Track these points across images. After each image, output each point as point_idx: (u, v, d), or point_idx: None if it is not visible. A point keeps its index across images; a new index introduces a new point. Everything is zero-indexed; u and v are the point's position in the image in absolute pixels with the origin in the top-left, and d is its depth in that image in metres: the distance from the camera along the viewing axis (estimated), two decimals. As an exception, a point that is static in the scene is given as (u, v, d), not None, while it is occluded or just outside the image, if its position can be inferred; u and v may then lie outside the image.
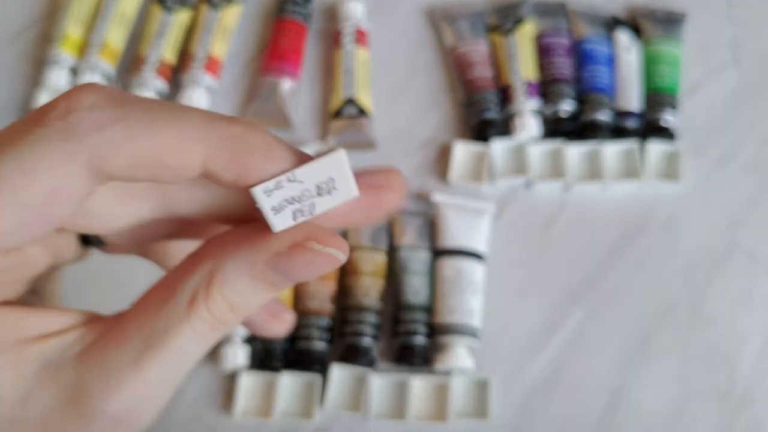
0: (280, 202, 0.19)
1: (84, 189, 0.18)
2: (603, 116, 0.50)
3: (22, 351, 0.19)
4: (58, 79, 0.50)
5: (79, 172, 0.18)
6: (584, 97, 0.51)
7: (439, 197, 0.49)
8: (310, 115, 0.53)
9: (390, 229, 0.48)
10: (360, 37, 0.52)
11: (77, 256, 0.25)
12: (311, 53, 0.55)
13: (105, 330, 0.20)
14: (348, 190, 0.20)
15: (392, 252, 0.48)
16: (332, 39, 0.54)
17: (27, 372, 0.18)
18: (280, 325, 0.26)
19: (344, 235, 0.48)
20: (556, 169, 0.50)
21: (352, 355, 0.45)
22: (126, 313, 0.20)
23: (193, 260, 0.20)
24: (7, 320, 0.19)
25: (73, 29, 0.52)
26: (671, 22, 0.54)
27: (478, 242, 0.47)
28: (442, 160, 0.51)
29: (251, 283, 0.19)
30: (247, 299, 0.20)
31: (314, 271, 0.20)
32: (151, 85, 0.50)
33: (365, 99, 0.51)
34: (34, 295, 0.23)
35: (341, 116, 0.50)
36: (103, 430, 0.19)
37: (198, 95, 0.50)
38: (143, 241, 0.24)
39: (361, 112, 0.50)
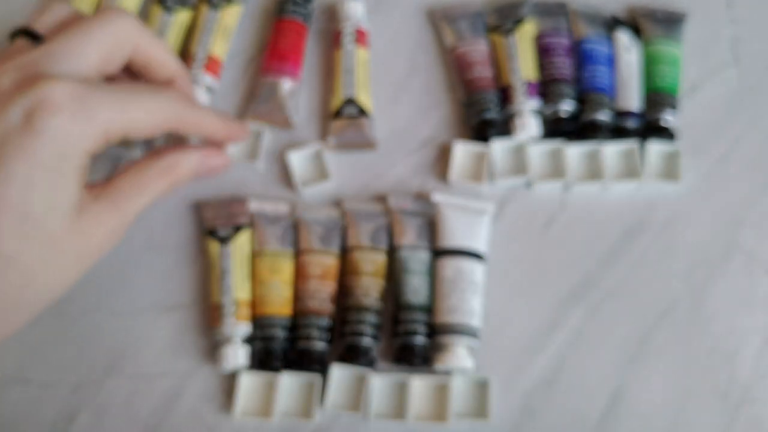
0: None
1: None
2: (603, 116, 0.50)
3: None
4: None
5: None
6: (584, 97, 0.51)
7: (439, 197, 0.49)
8: (310, 114, 0.53)
9: (390, 229, 0.48)
10: (360, 37, 0.52)
11: None
12: (311, 53, 0.55)
13: (107, 187, 0.36)
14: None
15: (392, 252, 0.48)
16: (332, 39, 0.54)
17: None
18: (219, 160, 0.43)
19: (344, 231, 0.48)
20: (556, 169, 0.50)
21: (352, 355, 0.45)
22: (116, 180, 0.36)
23: (158, 154, 0.38)
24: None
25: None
26: (671, 22, 0.54)
27: (478, 242, 0.47)
28: (442, 160, 0.51)
29: (190, 174, 0.41)
30: (185, 180, 0.41)
31: (218, 170, 0.43)
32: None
33: (365, 99, 0.51)
34: None
35: (341, 116, 0.50)
36: (107, 239, 0.36)
37: (198, 95, 0.50)
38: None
39: (361, 112, 0.50)
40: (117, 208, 0.36)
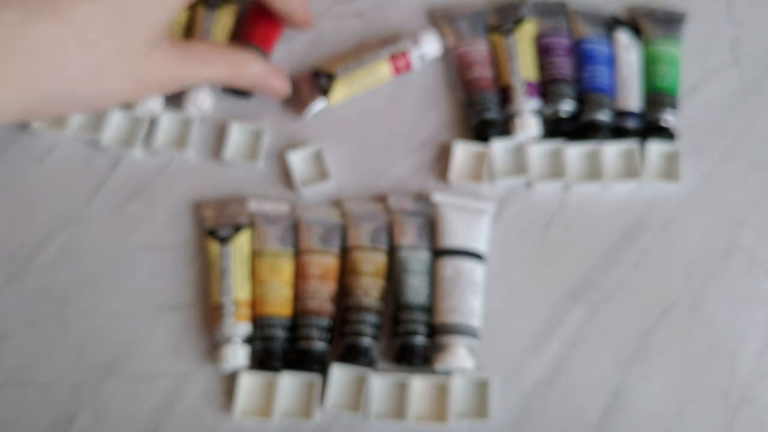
0: None
1: None
2: (603, 116, 0.50)
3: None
4: None
5: None
6: (584, 97, 0.51)
7: (439, 197, 0.49)
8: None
9: (390, 229, 0.48)
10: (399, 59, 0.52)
11: None
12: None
13: (184, 43, 0.40)
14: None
15: (392, 252, 0.48)
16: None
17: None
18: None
19: (344, 231, 0.48)
20: (556, 169, 0.51)
21: (352, 355, 0.45)
22: (194, 43, 0.41)
23: (238, 49, 0.43)
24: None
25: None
26: (671, 22, 0.54)
27: (478, 242, 0.47)
28: (442, 160, 0.51)
29: (253, 79, 0.46)
30: (246, 80, 0.45)
31: (276, 92, 0.47)
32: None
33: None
34: None
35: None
36: (166, 80, 0.39)
37: (202, 95, 0.50)
38: None
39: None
40: (184, 61, 0.39)
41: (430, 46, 0.52)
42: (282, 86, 0.45)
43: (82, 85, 0.34)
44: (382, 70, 0.52)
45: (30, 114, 0.35)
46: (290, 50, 0.54)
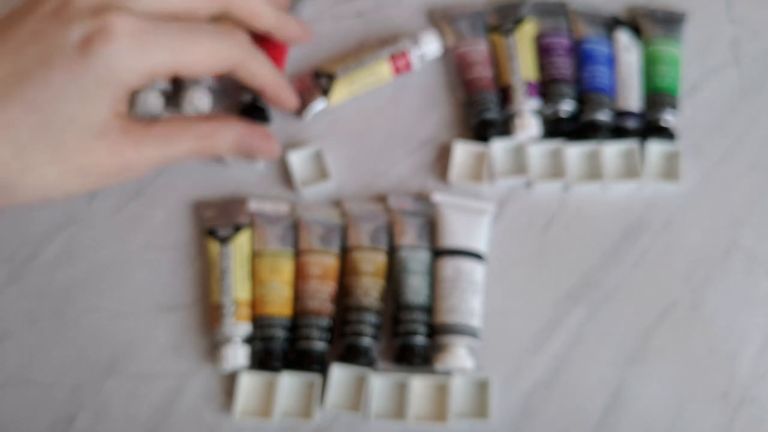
0: None
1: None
2: (603, 116, 0.50)
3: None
4: None
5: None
6: (584, 97, 0.51)
7: (439, 197, 0.49)
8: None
9: (390, 229, 0.48)
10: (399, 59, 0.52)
11: None
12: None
13: (142, 126, 0.37)
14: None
15: (392, 252, 0.48)
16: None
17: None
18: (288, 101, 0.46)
19: (344, 231, 0.48)
20: (556, 169, 0.51)
21: (352, 355, 0.45)
22: (155, 123, 0.37)
23: (208, 117, 0.40)
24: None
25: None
26: (671, 22, 0.54)
27: (478, 242, 0.47)
28: (442, 160, 0.51)
29: (231, 145, 0.42)
30: (222, 148, 0.42)
31: (263, 154, 0.44)
32: (154, 84, 0.50)
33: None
34: None
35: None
36: (116, 170, 0.36)
37: (199, 95, 0.50)
38: None
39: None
40: (137, 148, 0.37)
41: (430, 46, 0.52)
42: (268, 146, 0.43)
43: (16, 181, 0.34)
44: (382, 70, 0.52)
45: None
46: (290, 50, 0.54)
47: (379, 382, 0.46)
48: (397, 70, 0.52)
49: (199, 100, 0.50)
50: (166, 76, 0.37)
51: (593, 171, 0.51)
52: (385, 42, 0.53)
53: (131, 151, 0.37)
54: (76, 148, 0.35)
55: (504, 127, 0.51)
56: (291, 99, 0.46)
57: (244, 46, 0.39)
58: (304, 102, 0.51)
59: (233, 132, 0.41)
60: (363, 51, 0.54)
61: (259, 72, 0.41)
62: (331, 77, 0.51)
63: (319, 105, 0.51)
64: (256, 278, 0.47)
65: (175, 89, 0.52)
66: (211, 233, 0.48)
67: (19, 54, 0.33)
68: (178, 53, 0.36)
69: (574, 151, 0.51)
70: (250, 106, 0.50)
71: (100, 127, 0.35)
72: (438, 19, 0.55)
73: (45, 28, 0.34)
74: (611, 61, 0.52)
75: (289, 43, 0.47)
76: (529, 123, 0.50)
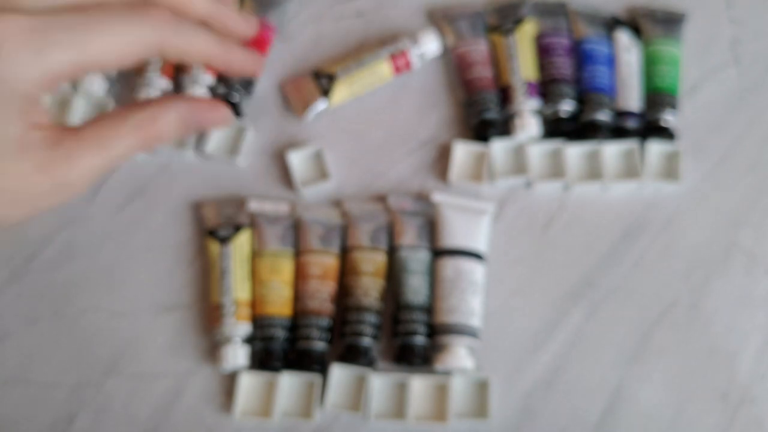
0: None
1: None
2: (603, 116, 0.51)
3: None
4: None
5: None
6: (584, 97, 0.51)
7: (439, 197, 0.49)
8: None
9: (390, 229, 0.49)
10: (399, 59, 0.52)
11: None
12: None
13: (71, 134, 0.31)
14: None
15: (392, 252, 0.48)
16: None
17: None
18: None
19: (344, 231, 0.48)
20: (556, 169, 0.51)
21: (352, 355, 0.45)
22: (84, 127, 0.32)
23: (143, 103, 0.33)
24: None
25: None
26: (671, 22, 0.54)
27: (478, 242, 0.48)
28: (442, 160, 0.52)
29: (177, 127, 0.34)
30: (169, 134, 0.34)
31: (215, 124, 0.35)
32: (156, 85, 0.50)
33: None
34: None
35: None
36: (50, 191, 0.31)
37: (194, 93, 0.51)
38: None
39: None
40: (69, 161, 0.32)
41: (429, 46, 0.53)
42: (216, 116, 0.37)
43: None
44: (382, 69, 0.52)
45: None
46: (290, 50, 0.55)
47: (379, 382, 0.46)
48: (397, 70, 0.52)
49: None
50: (73, 76, 0.32)
51: (593, 171, 0.51)
52: (385, 42, 0.54)
53: (63, 166, 0.32)
54: None
55: (504, 127, 0.51)
56: (251, 60, 0.38)
57: (163, 23, 0.33)
58: (305, 103, 0.52)
59: (174, 112, 0.35)
60: (363, 51, 0.54)
61: (193, 45, 0.35)
62: (331, 77, 0.51)
63: (320, 106, 0.51)
64: (256, 278, 0.47)
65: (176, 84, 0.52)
66: (211, 233, 0.48)
67: None
68: (82, 48, 0.31)
69: (574, 151, 0.51)
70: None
71: (17, 145, 0.31)
72: (438, 19, 0.55)
73: None
74: (611, 61, 0.53)
75: (234, 37, 0.39)
76: (529, 123, 0.50)
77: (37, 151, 0.31)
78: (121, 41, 0.32)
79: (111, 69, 0.32)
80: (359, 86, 0.52)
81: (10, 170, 0.30)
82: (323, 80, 0.51)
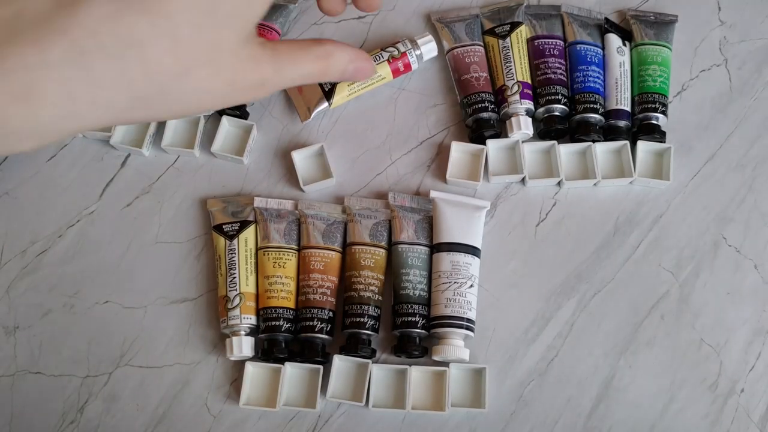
0: None
1: None
2: (595, 116, 0.51)
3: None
4: None
5: None
6: (576, 97, 0.52)
7: (436, 194, 0.50)
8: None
9: (389, 226, 0.50)
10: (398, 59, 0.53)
11: None
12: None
13: (270, 42, 0.34)
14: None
15: (391, 247, 0.49)
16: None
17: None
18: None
19: (346, 227, 0.49)
20: (549, 167, 0.52)
21: (353, 346, 0.46)
22: (278, 43, 0.34)
23: (320, 41, 0.36)
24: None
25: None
26: (662, 24, 0.55)
27: (474, 238, 0.49)
28: (439, 158, 0.52)
29: (341, 68, 0.36)
30: (335, 71, 0.36)
31: (364, 76, 0.38)
32: None
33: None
34: None
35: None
36: (257, 84, 0.33)
37: None
38: None
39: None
40: (275, 63, 0.35)
41: (426, 47, 0.54)
42: (369, 68, 0.40)
43: (171, 85, 0.31)
44: (382, 71, 0.53)
45: (116, 116, 0.31)
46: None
47: (379, 373, 0.47)
48: (397, 71, 0.53)
49: None
50: None
51: (585, 169, 0.52)
52: (385, 45, 0.55)
53: (269, 66, 0.34)
54: (230, 51, 0.32)
55: (499, 126, 0.52)
56: (370, 66, 0.41)
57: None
58: (308, 105, 0.53)
59: (344, 54, 0.38)
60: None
61: (342, 57, 0.38)
62: None
63: (321, 107, 0.52)
64: (260, 272, 0.48)
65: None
66: (218, 229, 0.49)
67: None
68: None
69: (567, 150, 0.52)
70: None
71: (251, 31, 0.33)
72: (435, 23, 0.56)
73: None
74: (603, 63, 0.53)
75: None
76: (523, 123, 0.51)
77: (255, 46, 0.33)
78: None
79: None
80: (359, 86, 0.53)
81: (240, 53, 0.32)
82: (326, 83, 0.52)
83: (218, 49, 0.31)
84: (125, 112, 0.30)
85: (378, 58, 0.53)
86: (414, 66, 0.54)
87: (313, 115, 0.53)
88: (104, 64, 0.27)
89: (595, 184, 0.51)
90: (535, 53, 0.53)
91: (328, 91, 0.52)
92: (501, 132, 0.52)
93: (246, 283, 0.47)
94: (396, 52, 0.53)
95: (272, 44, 0.35)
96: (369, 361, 0.46)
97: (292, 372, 0.47)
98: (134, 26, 0.28)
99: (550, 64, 0.52)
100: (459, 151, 0.52)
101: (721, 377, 0.47)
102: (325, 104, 0.52)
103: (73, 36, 0.27)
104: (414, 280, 0.47)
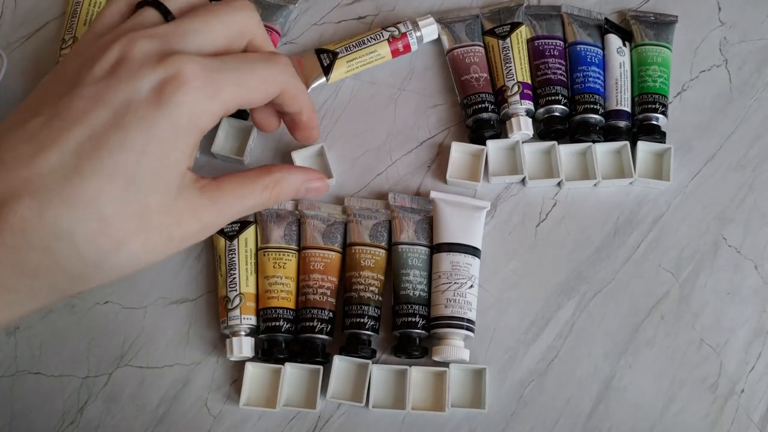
0: None
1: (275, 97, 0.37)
2: (595, 116, 0.51)
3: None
4: None
5: (279, 91, 0.37)
6: (576, 97, 0.52)
7: (436, 195, 0.50)
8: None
9: (389, 226, 0.50)
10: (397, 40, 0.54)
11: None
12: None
13: (212, 183, 0.35)
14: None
15: (392, 247, 0.49)
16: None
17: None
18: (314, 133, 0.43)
19: (346, 228, 0.49)
20: (549, 167, 0.52)
21: (353, 346, 0.46)
22: (222, 180, 0.35)
23: (268, 168, 0.38)
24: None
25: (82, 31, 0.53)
26: (662, 24, 0.55)
27: (474, 238, 0.49)
28: (439, 159, 0.53)
29: (292, 193, 0.39)
30: (286, 196, 0.38)
31: (318, 193, 0.41)
32: None
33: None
34: None
35: None
36: (197, 232, 0.34)
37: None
38: (262, 117, 0.42)
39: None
40: (215, 207, 0.35)
41: (427, 29, 0.54)
42: (323, 187, 0.41)
43: (107, 260, 0.31)
44: (381, 50, 0.53)
45: (59, 296, 0.32)
46: (293, 52, 0.55)
47: (379, 373, 0.47)
48: (396, 51, 0.53)
49: None
50: (233, 110, 0.34)
51: (585, 170, 0.52)
52: (385, 25, 0.55)
53: (208, 213, 0.34)
54: (160, 212, 0.32)
55: (499, 127, 0.52)
56: (317, 129, 0.43)
57: (289, 69, 0.38)
58: (306, 78, 0.53)
59: (296, 178, 0.39)
60: (364, 33, 0.55)
61: (300, 95, 0.39)
62: (333, 54, 0.53)
63: (319, 81, 0.53)
64: (260, 273, 0.48)
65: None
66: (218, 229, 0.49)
67: (85, 122, 0.30)
68: (243, 86, 0.34)
69: (567, 151, 0.52)
70: None
71: (180, 183, 0.33)
72: (435, 23, 0.56)
73: (106, 88, 0.31)
74: (603, 63, 0.53)
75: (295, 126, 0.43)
76: (523, 123, 0.51)
77: (191, 193, 0.33)
78: (265, 80, 0.36)
79: (256, 104, 0.36)
80: (358, 64, 0.53)
81: (172, 210, 0.32)
82: (325, 57, 0.53)
83: (148, 215, 0.31)
84: (67, 290, 0.31)
85: (378, 37, 0.53)
86: (413, 47, 0.54)
87: (310, 89, 0.53)
88: (37, 256, 0.29)
89: (595, 185, 0.51)
90: (535, 54, 0.54)
91: (327, 67, 0.52)
92: (501, 132, 0.52)
93: (246, 283, 0.47)
94: (396, 32, 0.53)
95: (216, 184, 0.35)
96: (369, 361, 0.46)
97: (292, 372, 0.47)
98: (58, 219, 0.29)
99: (550, 65, 0.52)
100: (459, 151, 0.52)
101: (721, 378, 0.47)
102: (323, 79, 0.52)
103: (3, 237, 0.28)
104: (414, 281, 0.47)
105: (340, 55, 0.53)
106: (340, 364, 0.47)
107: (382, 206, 0.50)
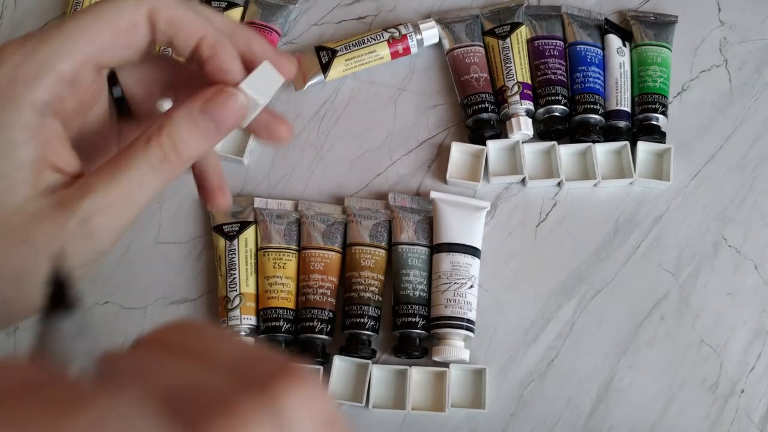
0: None
1: (146, 34, 0.25)
2: (595, 117, 0.51)
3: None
4: None
5: (144, 19, 0.25)
6: (576, 98, 0.52)
7: (436, 195, 0.50)
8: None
9: (389, 226, 0.50)
10: (397, 42, 0.54)
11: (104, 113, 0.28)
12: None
13: (82, 182, 0.25)
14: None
15: (392, 248, 0.49)
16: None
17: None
18: (282, 129, 0.30)
19: (346, 228, 0.49)
20: (549, 168, 0.52)
21: (353, 346, 0.46)
22: (90, 179, 0.25)
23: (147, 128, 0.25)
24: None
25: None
26: (662, 24, 0.55)
27: (474, 238, 0.49)
28: (439, 159, 0.53)
29: (188, 127, 0.25)
30: (187, 142, 0.25)
31: (232, 113, 0.25)
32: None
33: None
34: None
35: None
36: (74, 230, 0.24)
37: None
38: (148, 96, 0.29)
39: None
40: (64, 213, 0.25)
41: (428, 33, 0.54)
42: (229, 98, 0.27)
43: None
44: (381, 50, 0.53)
45: None
46: (293, 52, 0.55)
47: (379, 373, 0.47)
48: (396, 54, 0.53)
49: None
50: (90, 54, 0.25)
51: (585, 170, 0.52)
52: (386, 26, 0.55)
53: (66, 222, 0.25)
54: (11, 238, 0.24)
55: (499, 127, 0.52)
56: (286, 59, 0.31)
57: None
58: (304, 75, 0.53)
59: (186, 114, 0.26)
60: (364, 33, 0.55)
61: (191, 20, 0.27)
62: (332, 52, 0.53)
63: (317, 78, 0.53)
64: (261, 273, 0.48)
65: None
66: (218, 229, 0.49)
67: None
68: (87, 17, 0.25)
69: (567, 151, 0.52)
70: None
71: (26, 192, 0.24)
72: (436, 23, 0.56)
73: None
74: (603, 63, 0.54)
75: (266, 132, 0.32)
76: (523, 123, 0.51)
77: (40, 209, 0.25)
78: (116, 18, 0.25)
79: (120, 42, 0.25)
80: (357, 63, 0.53)
81: (20, 234, 0.24)
82: (324, 54, 0.53)
83: None
84: None
85: (378, 38, 0.53)
86: (413, 50, 0.54)
87: (307, 85, 0.53)
88: None
89: (595, 185, 0.51)
90: (535, 54, 0.54)
91: (326, 64, 0.52)
92: (501, 132, 0.53)
93: (246, 283, 0.47)
94: (397, 34, 0.53)
95: (80, 183, 0.25)
96: (369, 361, 0.46)
97: (292, 372, 0.47)
98: None
99: (550, 65, 0.53)
100: (459, 151, 0.52)
101: (721, 378, 0.48)
102: (321, 77, 0.52)
103: None
104: (414, 281, 0.47)
105: (339, 54, 0.53)
106: (340, 364, 0.47)
107: (382, 206, 0.50)
